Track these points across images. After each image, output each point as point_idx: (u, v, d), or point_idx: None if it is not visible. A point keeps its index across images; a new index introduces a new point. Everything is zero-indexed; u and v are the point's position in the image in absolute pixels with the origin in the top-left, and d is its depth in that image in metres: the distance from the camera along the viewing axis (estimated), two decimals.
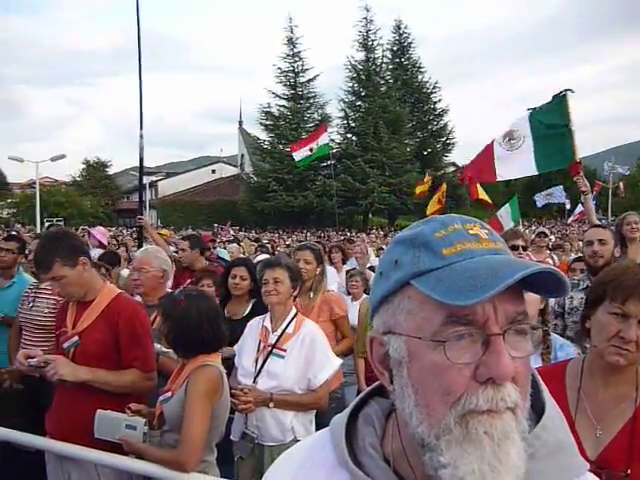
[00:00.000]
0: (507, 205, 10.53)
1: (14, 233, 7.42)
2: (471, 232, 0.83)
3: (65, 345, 3.21)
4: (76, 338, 3.20)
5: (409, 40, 52.82)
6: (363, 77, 47.07)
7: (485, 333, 0.76)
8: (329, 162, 32.02)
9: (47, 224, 24.95)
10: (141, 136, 7.71)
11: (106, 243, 9.40)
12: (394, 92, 47.19)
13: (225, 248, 11.90)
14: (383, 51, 50.07)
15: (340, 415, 0.98)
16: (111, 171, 54.72)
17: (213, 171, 58.20)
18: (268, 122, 46.30)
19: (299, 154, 18.46)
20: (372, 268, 7.63)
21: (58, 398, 3.30)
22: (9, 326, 4.97)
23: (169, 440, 2.97)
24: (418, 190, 16.28)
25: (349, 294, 6.20)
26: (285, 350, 3.56)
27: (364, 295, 5.96)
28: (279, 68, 47.02)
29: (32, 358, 3.14)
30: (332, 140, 35.53)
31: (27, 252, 6.01)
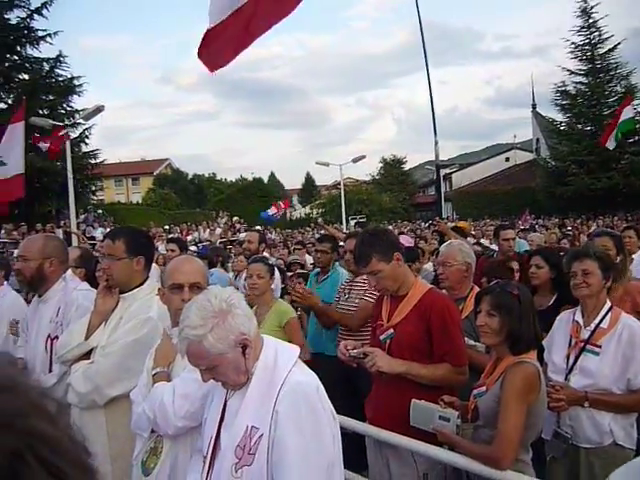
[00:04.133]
0: None
1: (326, 235, 8.11)
2: None
3: (381, 337, 3.40)
4: (391, 330, 3.36)
5: None
6: None
7: None
8: (637, 137, 28.59)
9: (352, 221, 26.83)
10: (436, 143, 7.78)
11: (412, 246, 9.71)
12: None
13: (524, 238, 11.46)
14: None
15: None
16: (406, 167, 56.55)
17: (507, 159, 56.53)
18: (564, 102, 43.35)
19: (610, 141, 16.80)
20: None
21: (376, 387, 3.50)
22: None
23: (482, 435, 2.96)
24: None
25: None
26: (600, 346, 3.31)
27: None
28: (573, 43, 43.57)
29: (353, 349, 3.39)
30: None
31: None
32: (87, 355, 3.13)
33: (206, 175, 64.54)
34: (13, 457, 0.39)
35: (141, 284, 3.24)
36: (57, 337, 3.55)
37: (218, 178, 65.86)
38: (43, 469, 0.40)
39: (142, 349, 2.86)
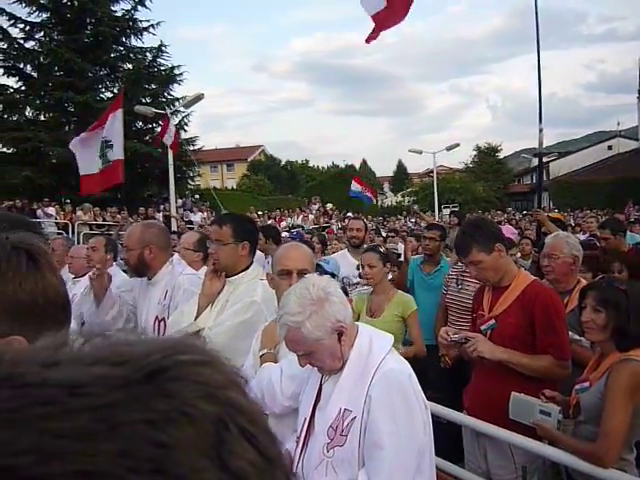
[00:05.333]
0: None
1: (437, 222, 8.05)
2: None
3: (482, 327, 3.37)
4: (493, 321, 3.33)
5: None
6: None
7: None
8: None
9: (444, 210, 26.41)
10: (540, 130, 7.51)
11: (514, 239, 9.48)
12: None
13: (632, 230, 10.91)
14: None
15: None
16: (501, 155, 55.04)
17: (609, 147, 53.86)
18: None
19: None
20: None
21: (476, 378, 3.49)
22: None
23: (584, 431, 2.89)
24: None
25: None
26: None
27: None
28: None
29: (454, 334, 3.38)
30: None
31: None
32: (195, 335, 3.26)
33: (299, 162, 65.30)
34: (218, 424, 0.43)
35: (246, 268, 3.34)
36: (164, 319, 3.71)
37: (310, 165, 66.49)
38: (242, 436, 0.44)
39: (247, 331, 2.97)
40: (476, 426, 3.30)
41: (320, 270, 4.24)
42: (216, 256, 3.33)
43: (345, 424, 2.07)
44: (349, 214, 23.19)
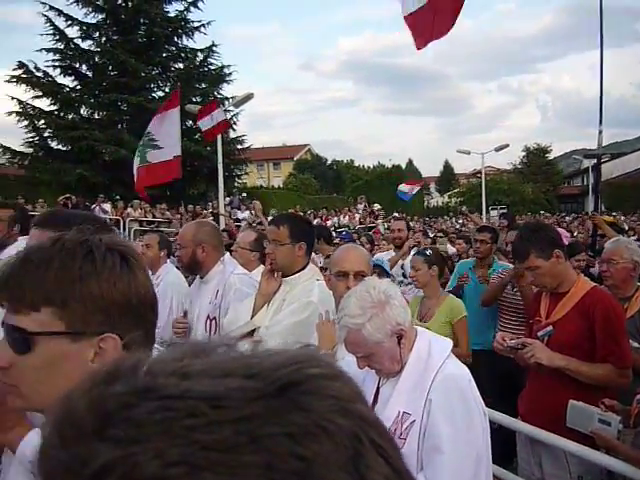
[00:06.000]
0: None
1: (487, 225, 7.95)
2: None
3: (539, 333, 3.32)
4: (550, 328, 3.28)
5: None
6: None
7: None
8: None
9: (492, 212, 26.02)
10: (600, 132, 7.33)
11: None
12: None
13: None
14: None
15: None
16: (551, 156, 53.91)
17: None
18: None
19: None
20: None
21: (531, 384, 3.44)
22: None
23: None
24: None
25: None
26: None
27: None
28: None
29: (511, 340, 3.34)
30: None
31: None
32: (250, 334, 3.31)
33: (344, 161, 65.26)
34: (353, 438, 0.44)
35: (302, 269, 3.37)
36: (215, 318, 3.75)
37: (356, 164, 66.39)
38: (374, 450, 0.45)
39: (304, 331, 3.00)
40: (532, 433, 3.26)
41: (378, 270, 4.27)
42: (273, 256, 3.37)
43: (404, 427, 2.07)
44: (395, 214, 23.09)
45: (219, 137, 14.36)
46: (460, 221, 25.00)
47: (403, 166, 60.34)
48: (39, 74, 25.20)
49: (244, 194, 26.91)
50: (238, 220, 20.08)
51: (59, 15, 25.36)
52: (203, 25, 27.56)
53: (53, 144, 25.98)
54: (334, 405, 0.45)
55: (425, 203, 43.66)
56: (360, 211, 26.65)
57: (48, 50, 25.34)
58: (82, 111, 26.28)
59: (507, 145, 25.70)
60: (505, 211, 19.96)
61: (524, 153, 53.29)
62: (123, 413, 0.43)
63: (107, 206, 19.28)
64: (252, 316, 3.31)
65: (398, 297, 2.17)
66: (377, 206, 27.49)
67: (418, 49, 6.83)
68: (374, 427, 0.47)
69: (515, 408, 3.55)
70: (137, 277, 1.14)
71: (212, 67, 28.11)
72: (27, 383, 1.10)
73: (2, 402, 1.27)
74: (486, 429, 2.13)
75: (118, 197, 20.52)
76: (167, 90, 26.36)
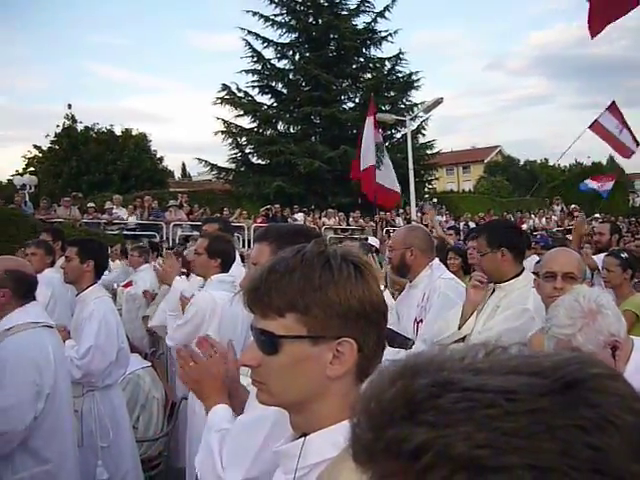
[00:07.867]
0: None
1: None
2: None
3: None
4: None
5: None
6: None
7: None
8: None
9: None
10: None
11: None
12: None
13: None
14: None
15: None
16: None
17: None
18: None
19: None
20: None
21: None
22: None
23: None
24: None
25: None
26: None
27: None
28: None
29: None
30: None
31: None
32: (459, 342, 3.29)
33: (538, 161, 62.26)
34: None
35: (517, 275, 3.33)
36: (422, 320, 3.79)
37: (551, 164, 62.97)
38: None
39: (516, 339, 2.92)
40: None
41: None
42: (478, 266, 3.36)
43: None
44: (596, 215, 21.47)
45: (409, 143, 14.40)
46: None
47: (604, 163, 56.01)
48: (240, 94, 27.20)
49: (435, 199, 26.73)
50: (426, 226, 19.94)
51: (256, 39, 27.20)
52: (390, 34, 27.86)
53: (253, 159, 27.82)
54: (619, 402, 0.50)
55: (630, 202, 40.05)
56: (557, 213, 25.19)
57: (247, 71, 27.25)
58: (279, 126, 27.84)
59: None
60: None
61: None
62: (431, 402, 0.51)
63: (299, 216, 20.19)
64: (460, 325, 3.31)
65: (611, 306, 2.06)
66: (574, 206, 25.82)
67: (592, 37, 6.45)
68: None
69: None
70: (370, 285, 1.21)
71: (400, 75, 28.33)
72: (273, 381, 1.21)
73: (216, 377, 1.80)
74: None
75: (313, 207, 21.36)
76: (357, 101, 27.11)
